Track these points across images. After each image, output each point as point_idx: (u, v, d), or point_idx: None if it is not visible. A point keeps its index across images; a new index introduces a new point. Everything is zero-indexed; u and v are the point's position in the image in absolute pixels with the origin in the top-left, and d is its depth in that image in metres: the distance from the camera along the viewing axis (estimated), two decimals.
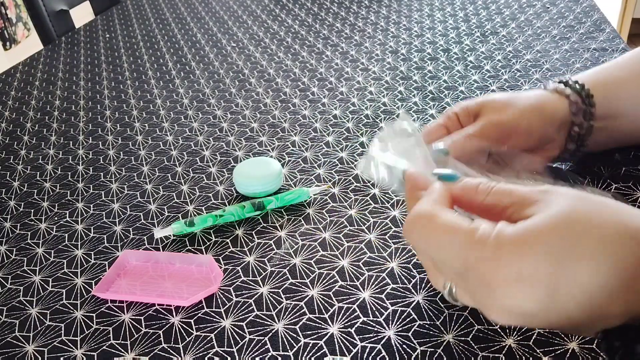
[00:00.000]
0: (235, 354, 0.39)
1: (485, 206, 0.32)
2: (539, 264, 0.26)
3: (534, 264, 0.26)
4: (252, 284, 0.45)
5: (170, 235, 0.51)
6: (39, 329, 0.43)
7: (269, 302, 0.43)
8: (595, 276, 0.26)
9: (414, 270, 0.45)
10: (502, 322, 0.29)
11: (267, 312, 0.43)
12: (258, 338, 0.40)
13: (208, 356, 0.40)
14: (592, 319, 0.27)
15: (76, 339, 0.42)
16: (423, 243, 0.32)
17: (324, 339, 0.40)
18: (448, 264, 0.31)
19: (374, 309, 0.42)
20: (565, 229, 0.27)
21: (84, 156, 0.68)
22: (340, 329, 0.40)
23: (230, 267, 0.47)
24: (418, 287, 0.43)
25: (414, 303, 0.42)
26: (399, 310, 0.41)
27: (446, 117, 0.49)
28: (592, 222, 0.27)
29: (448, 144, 0.45)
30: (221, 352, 0.40)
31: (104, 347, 0.41)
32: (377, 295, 0.43)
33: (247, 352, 0.39)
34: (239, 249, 0.49)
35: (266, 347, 0.40)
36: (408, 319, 0.40)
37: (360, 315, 0.41)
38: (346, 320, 0.41)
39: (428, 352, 0.38)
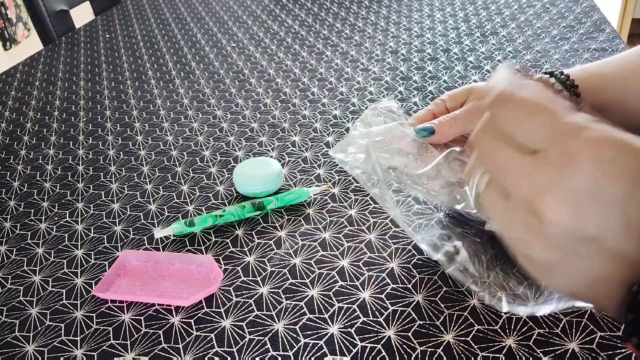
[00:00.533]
0: (235, 354, 0.39)
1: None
2: (618, 184, 0.25)
3: (614, 181, 0.25)
4: (252, 284, 0.45)
5: (170, 235, 0.51)
6: (39, 329, 0.43)
7: (269, 302, 0.43)
8: None
9: (414, 270, 0.45)
10: (557, 215, 0.26)
11: (267, 312, 0.43)
12: (258, 338, 0.40)
13: (208, 356, 0.40)
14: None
15: (76, 339, 0.42)
16: (506, 116, 0.30)
17: (324, 339, 0.40)
18: (527, 136, 0.29)
19: (374, 309, 0.42)
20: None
21: (84, 156, 0.68)
22: (340, 329, 0.40)
23: (230, 267, 0.47)
24: (418, 287, 0.43)
25: (414, 303, 0.42)
26: (399, 310, 0.41)
27: (434, 105, 0.50)
28: None
29: (434, 124, 0.46)
30: (221, 352, 0.40)
31: (104, 347, 0.41)
32: (377, 295, 0.43)
33: (247, 352, 0.39)
34: (239, 249, 0.49)
35: (266, 347, 0.40)
36: (408, 319, 0.40)
37: (360, 315, 0.41)
38: (346, 320, 0.41)
39: (428, 352, 0.38)
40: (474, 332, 0.39)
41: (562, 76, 0.50)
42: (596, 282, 0.27)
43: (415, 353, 0.38)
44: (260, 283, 0.45)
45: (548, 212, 0.26)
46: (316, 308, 0.42)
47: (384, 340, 0.39)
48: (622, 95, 0.50)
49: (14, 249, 0.53)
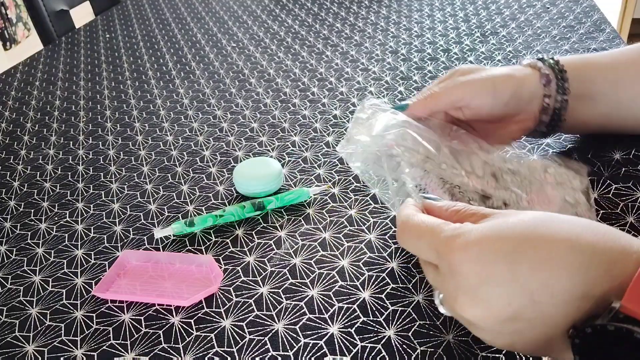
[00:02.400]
0: (235, 354, 0.39)
1: (450, 218, 0.36)
2: (499, 246, 0.30)
3: (495, 245, 0.30)
4: (252, 284, 0.45)
5: (170, 235, 0.51)
6: (39, 329, 0.43)
7: (269, 302, 0.43)
8: (550, 263, 0.28)
9: (414, 270, 0.45)
10: (470, 312, 0.31)
11: (267, 312, 0.43)
12: (258, 338, 0.40)
13: (208, 356, 0.40)
14: (556, 303, 0.29)
15: (76, 339, 0.42)
16: (406, 242, 0.36)
17: (324, 339, 0.40)
18: (424, 256, 0.35)
19: (374, 309, 0.42)
20: (521, 227, 0.30)
21: (84, 156, 0.68)
22: (340, 329, 0.40)
23: (230, 267, 0.47)
24: (418, 287, 0.43)
25: (414, 303, 0.42)
26: (399, 310, 0.41)
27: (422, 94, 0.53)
28: (547, 223, 0.30)
29: (409, 102, 0.49)
30: (221, 352, 0.40)
31: (104, 347, 0.41)
32: (377, 295, 0.43)
33: (247, 352, 0.39)
34: (239, 249, 0.49)
35: (266, 347, 0.40)
36: (408, 319, 0.40)
37: (360, 315, 0.41)
38: (346, 320, 0.41)
39: (428, 352, 0.38)
40: None
41: (552, 61, 0.51)
42: (535, 343, 0.31)
43: (415, 353, 0.38)
44: (260, 283, 0.45)
45: (465, 314, 0.31)
46: (316, 308, 0.42)
47: (384, 340, 0.39)
48: (612, 86, 0.51)
49: (14, 249, 0.53)
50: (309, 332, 0.40)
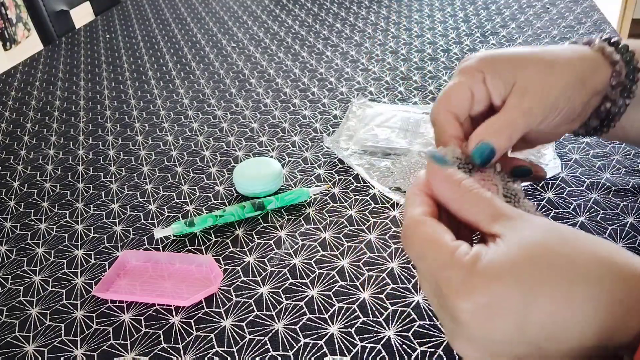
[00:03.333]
0: (235, 354, 0.39)
1: (460, 202, 0.30)
2: (510, 294, 0.25)
3: (505, 294, 0.25)
4: (252, 284, 0.45)
5: (170, 235, 0.51)
6: (39, 329, 0.43)
7: (269, 302, 0.43)
8: (565, 309, 0.25)
9: (414, 270, 0.45)
10: (466, 353, 0.28)
11: (267, 312, 0.43)
12: (258, 338, 0.40)
13: (208, 356, 0.40)
14: (562, 351, 0.26)
15: (76, 339, 0.42)
16: (407, 249, 0.30)
17: (324, 339, 0.40)
18: (422, 276, 0.30)
19: (374, 309, 0.42)
20: (537, 260, 0.26)
21: (84, 156, 0.68)
22: (340, 329, 0.40)
23: (230, 267, 0.47)
24: (418, 287, 0.43)
25: (414, 303, 0.42)
26: (399, 310, 0.41)
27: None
28: (563, 255, 0.26)
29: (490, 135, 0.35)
30: (221, 352, 0.40)
31: (104, 347, 0.41)
32: (377, 295, 0.43)
33: (247, 352, 0.39)
34: (239, 249, 0.49)
35: (266, 347, 0.40)
36: (408, 319, 0.40)
37: (360, 315, 0.41)
38: (346, 320, 0.41)
39: (428, 352, 0.38)
40: None
41: (627, 53, 0.39)
42: None
43: (415, 353, 0.38)
44: (260, 283, 0.45)
45: (460, 352, 0.28)
46: (316, 308, 0.42)
47: (384, 340, 0.39)
48: None
49: (14, 249, 0.53)
50: (309, 332, 0.40)
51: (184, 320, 0.43)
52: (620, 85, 0.39)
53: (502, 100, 0.37)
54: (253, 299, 0.44)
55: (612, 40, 0.40)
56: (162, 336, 0.41)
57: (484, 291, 0.25)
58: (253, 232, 0.51)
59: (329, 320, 0.41)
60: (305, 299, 0.43)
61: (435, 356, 0.38)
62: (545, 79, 0.36)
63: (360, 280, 0.45)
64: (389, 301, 0.42)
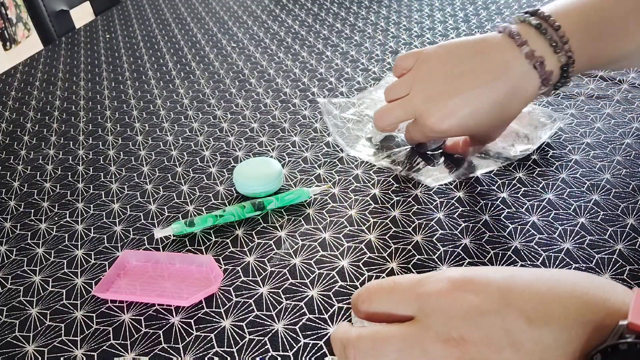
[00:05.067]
0: (235, 354, 0.39)
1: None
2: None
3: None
4: (252, 284, 0.45)
5: (170, 235, 0.51)
6: (39, 329, 0.43)
7: (269, 302, 0.43)
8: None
9: (414, 271, 0.45)
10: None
11: (267, 312, 0.43)
12: (258, 338, 0.40)
13: (208, 356, 0.40)
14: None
15: (76, 339, 0.42)
16: (374, 303, 0.31)
17: (324, 339, 0.40)
18: (401, 307, 0.30)
19: None
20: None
21: (84, 156, 0.68)
22: None
23: (230, 267, 0.47)
24: None
25: None
26: None
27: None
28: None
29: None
30: (221, 352, 0.40)
31: (104, 347, 0.41)
32: None
33: (247, 352, 0.39)
34: (239, 249, 0.49)
35: (266, 347, 0.40)
36: None
37: None
38: (346, 321, 0.41)
39: None
40: None
41: (563, 55, 0.47)
42: None
43: None
44: (260, 283, 0.45)
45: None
46: (316, 308, 0.42)
47: None
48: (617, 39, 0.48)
49: (14, 249, 0.53)
50: (309, 332, 0.40)
51: (184, 320, 0.43)
52: (552, 86, 0.49)
53: None
54: (253, 299, 0.44)
55: (535, 23, 0.48)
56: (162, 336, 0.41)
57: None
58: (253, 232, 0.51)
59: (328, 321, 0.41)
60: (305, 299, 0.43)
61: None
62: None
63: (360, 281, 0.45)
64: None
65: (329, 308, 0.42)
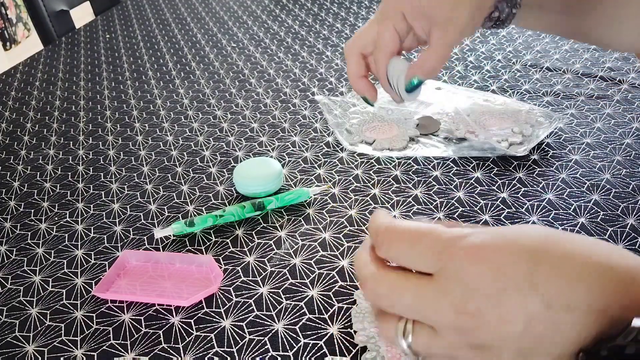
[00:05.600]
0: (235, 354, 0.39)
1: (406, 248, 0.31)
2: (518, 267, 0.26)
3: (513, 265, 0.26)
4: (252, 284, 0.45)
5: (170, 235, 0.51)
6: (39, 329, 0.43)
7: (269, 302, 0.43)
8: (563, 294, 0.25)
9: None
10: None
11: (267, 312, 0.43)
12: (258, 338, 0.40)
13: (208, 356, 0.40)
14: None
15: (76, 339, 0.42)
16: (394, 251, 0.30)
17: (324, 339, 0.40)
18: (418, 265, 0.29)
19: None
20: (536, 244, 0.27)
21: (84, 156, 0.68)
22: (340, 329, 0.40)
23: (230, 267, 0.47)
24: None
25: None
26: None
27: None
28: (559, 249, 0.27)
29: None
30: (221, 352, 0.40)
31: (104, 347, 0.41)
32: None
33: (247, 352, 0.39)
34: (239, 249, 0.49)
35: (266, 347, 0.40)
36: None
37: None
38: (346, 321, 0.41)
39: None
40: None
41: None
42: None
43: None
44: (260, 283, 0.45)
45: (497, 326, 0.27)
46: (316, 308, 0.42)
47: None
48: None
49: (14, 249, 0.53)
50: (309, 332, 0.40)
51: (184, 320, 0.43)
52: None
53: (426, 33, 0.44)
54: (253, 299, 0.44)
55: None
56: (162, 336, 0.41)
57: (491, 243, 0.27)
58: (253, 232, 0.51)
59: (328, 321, 0.41)
60: (305, 299, 0.43)
61: None
62: (455, 12, 0.43)
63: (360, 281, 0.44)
64: None
65: (329, 308, 0.42)
